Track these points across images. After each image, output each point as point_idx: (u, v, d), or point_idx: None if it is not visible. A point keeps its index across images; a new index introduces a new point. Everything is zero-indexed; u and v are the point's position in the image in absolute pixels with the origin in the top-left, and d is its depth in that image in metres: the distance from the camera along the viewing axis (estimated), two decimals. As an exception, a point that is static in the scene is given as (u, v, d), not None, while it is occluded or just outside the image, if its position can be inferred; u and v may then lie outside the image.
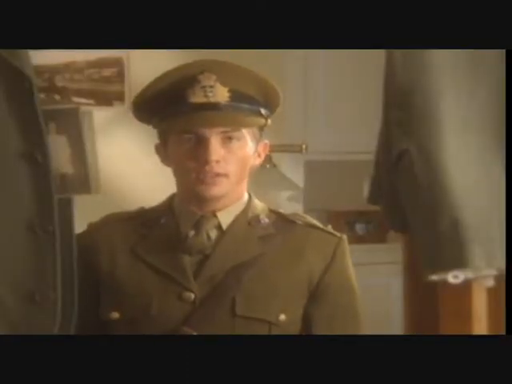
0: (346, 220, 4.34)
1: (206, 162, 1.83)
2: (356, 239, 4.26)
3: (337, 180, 4.35)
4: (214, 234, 1.90)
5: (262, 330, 1.86)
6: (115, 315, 1.87)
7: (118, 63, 3.47)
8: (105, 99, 3.46)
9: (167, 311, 1.86)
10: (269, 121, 1.94)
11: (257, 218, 1.94)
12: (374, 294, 3.79)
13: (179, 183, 1.93)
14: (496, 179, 1.43)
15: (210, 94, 1.84)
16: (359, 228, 4.38)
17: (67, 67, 3.40)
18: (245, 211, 1.93)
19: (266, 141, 1.98)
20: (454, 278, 1.42)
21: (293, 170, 3.80)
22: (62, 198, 1.47)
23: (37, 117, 1.42)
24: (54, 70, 3.37)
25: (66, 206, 1.48)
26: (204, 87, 1.84)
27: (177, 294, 1.86)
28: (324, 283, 1.91)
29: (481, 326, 1.46)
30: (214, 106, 1.84)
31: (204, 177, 1.84)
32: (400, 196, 1.48)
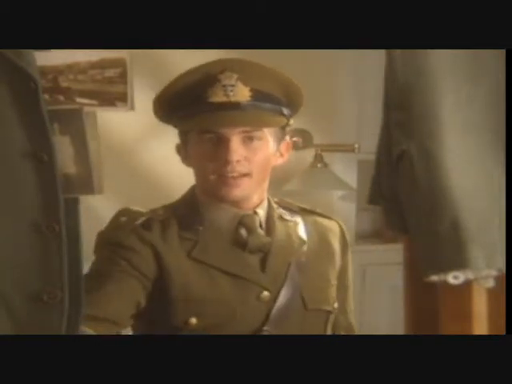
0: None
1: (227, 162, 1.81)
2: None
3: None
4: (261, 231, 1.89)
5: (322, 320, 1.88)
6: (193, 321, 1.84)
7: (120, 64, 3.48)
8: (108, 100, 3.47)
9: (249, 313, 1.84)
10: (291, 121, 1.92)
11: (280, 214, 1.94)
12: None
13: (200, 184, 1.90)
14: (496, 180, 1.43)
15: (231, 94, 1.82)
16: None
17: (71, 68, 3.41)
18: (271, 208, 1.93)
19: (289, 140, 1.96)
20: (454, 278, 1.42)
21: (346, 169, 3.75)
22: (69, 197, 1.47)
23: (42, 117, 1.42)
24: (58, 71, 3.38)
25: (73, 206, 1.49)
26: (224, 86, 1.82)
27: (255, 295, 1.85)
28: (343, 267, 1.96)
29: (481, 326, 1.46)
30: (234, 106, 1.82)
31: (225, 178, 1.83)
32: (400, 197, 1.48)
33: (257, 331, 1.83)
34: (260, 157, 1.85)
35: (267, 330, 1.83)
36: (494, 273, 1.43)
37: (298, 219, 1.95)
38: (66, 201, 1.44)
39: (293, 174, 3.51)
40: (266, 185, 1.93)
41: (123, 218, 1.91)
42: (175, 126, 1.92)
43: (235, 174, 1.83)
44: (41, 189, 1.41)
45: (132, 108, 3.32)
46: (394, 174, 1.46)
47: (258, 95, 1.84)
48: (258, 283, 1.85)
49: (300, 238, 1.93)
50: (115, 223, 1.91)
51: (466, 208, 1.41)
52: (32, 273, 1.42)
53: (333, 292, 1.93)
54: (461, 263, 1.41)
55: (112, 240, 1.87)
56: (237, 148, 1.82)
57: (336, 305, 1.93)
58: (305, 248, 1.92)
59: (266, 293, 1.85)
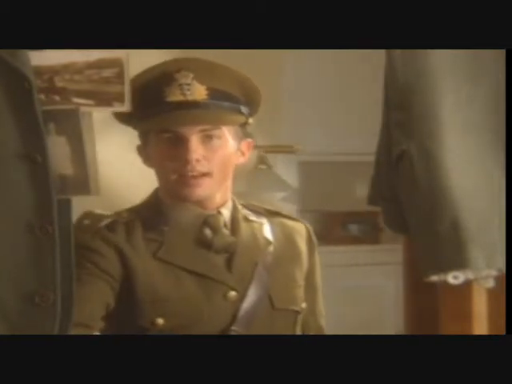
0: (340, 220, 4.33)
1: (187, 161, 1.80)
2: (350, 240, 4.26)
3: (331, 181, 4.35)
4: (226, 231, 1.89)
5: (291, 320, 1.88)
6: (159, 321, 1.80)
7: (117, 64, 3.46)
8: (104, 100, 3.45)
9: (216, 313, 1.82)
10: (250, 119, 1.92)
11: (245, 215, 1.94)
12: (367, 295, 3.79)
13: (162, 185, 1.87)
14: (496, 180, 1.43)
15: (188, 93, 1.81)
16: (353, 229, 4.37)
17: (67, 68, 3.39)
18: (236, 208, 1.93)
19: (250, 139, 1.95)
20: (454, 278, 1.42)
21: (287, 170, 3.78)
22: (61, 198, 1.47)
23: (36, 117, 1.42)
24: (54, 71, 3.36)
25: (66, 207, 1.48)
26: (181, 85, 1.81)
27: (222, 294, 1.84)
28: (310, 268, 1.95)
29: (481, 326, 1.47)
30: (191, 105, 1.81)
31: (186, 178, 1.81)
32: (400, 197, 1.48)
33: (224, 331, 1.82)
34: (220, 156, 1.84)
35: (235, 329, 1.82)
36: (493, 273, 1.43)
37: (264, 220, 1.95)
38: (59, 202, 1.44)
39: (236, 175, 3.52)
40: (228, 184, 1.91)
41: (86, 221, 1.90)
42: (134, 128, 1.91)
43: (195, 174, 1.82)
44: (34, 189, 1.41)
45: (129, 108, 3.31)
46: (394, 174, 1.46)
47: (215, 94, 1.83)
48: (225, 283, 1.85)
49: (266, 239, 1.93)
50: (78, 226, 1.91)
51: (466, 208, 1.41)
52: (26, 274, 1.42)
53: (300, 292, 1.93)
54: (461, 263, 1.41)
55: (77, 243, 1.86)
56: (196, 147, 1.81)
57: (304, 305, 1.93)
58: (271, 248, 1.92)
59: (232, 292, 1.85)
